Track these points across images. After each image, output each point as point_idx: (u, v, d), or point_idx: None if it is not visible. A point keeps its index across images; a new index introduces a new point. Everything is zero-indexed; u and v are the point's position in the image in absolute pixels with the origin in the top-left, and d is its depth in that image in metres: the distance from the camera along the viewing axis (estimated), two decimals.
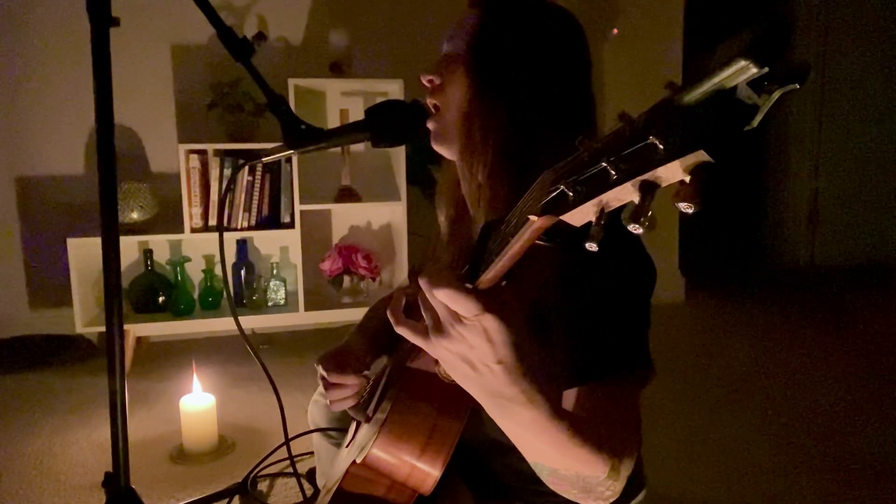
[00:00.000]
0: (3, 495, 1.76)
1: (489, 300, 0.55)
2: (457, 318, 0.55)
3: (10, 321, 2.89)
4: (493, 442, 0.95)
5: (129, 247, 2.86)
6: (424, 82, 0.94)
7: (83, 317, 2.60)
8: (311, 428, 1.31)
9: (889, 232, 4.44)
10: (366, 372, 1.04)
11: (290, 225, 2.79)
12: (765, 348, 3.01)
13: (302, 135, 0.98)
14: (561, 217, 0.46)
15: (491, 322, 0.54)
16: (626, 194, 0.41)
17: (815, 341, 3.08)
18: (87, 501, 1.72)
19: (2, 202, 2.85)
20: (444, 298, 0.55)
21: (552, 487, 0.67)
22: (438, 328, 0.57)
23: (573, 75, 0.89)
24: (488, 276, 0.56)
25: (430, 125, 0.95)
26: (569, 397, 0.73)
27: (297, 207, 2.75)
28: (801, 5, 4.29)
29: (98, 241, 0.95)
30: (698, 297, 3.79)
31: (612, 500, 0.67)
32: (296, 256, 2.90)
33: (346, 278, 2.88)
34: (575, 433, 0.61)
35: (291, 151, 0.98)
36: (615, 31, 3.37)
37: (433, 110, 0.95)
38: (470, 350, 0.56)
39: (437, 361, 0.65)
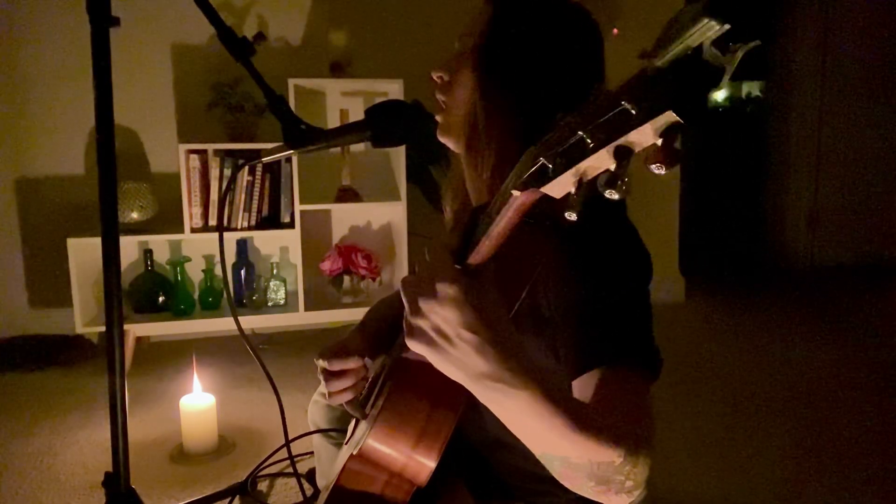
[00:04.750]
0: (3, 495, 1.76)
1: (465, 271, 0.56)
2: (425, 285, 0.56)
3: (10, 321, 2.89)
4: (494, 440, 0.95)
5: (129, 247, 2.86)
6: (434, 78, 0.95)
7: (83, 317, 2.59)
8: (312, 428, 1.31)
9: (889, 232, 4.44)
10: (367, 359, 1.04)
11: (290, 225, 2.79)
12: (764, 348, 3.01)
13: (302, 135, 0.98)
14: (541, 189, 0.47)
15: (458, 289, 0.55)
16: (602, 162, 0.42)
17: (815, 341, 3.08)
18: (87, 501, 1.72)
19: (2, 202, 2.85)
20: (424, 269, 0.56)
21: (567, 484, 0.64)
22: (415, 308, 0.57)
23: (584, 75, 0.88)
24: (478, 257, 0.57)
25: (439, 118, 0.96)
26: (575, 388, 0.72)
27: (297, 207, 2.75)
28: (801, 5, 4.29)
29: (98, 241, 0.95)
30: (698, 297, 3.79)
31: (635, 493, 0.63)
32: (296, 256, 2.90)
33: (346, 278, 2.88)
34: (578, 416, 0.59)
35: (291, 151, 0.98)
36: (615, 31, 3.37)
37: (442, 106, 0.95)
38: (444, 322, 0.56)
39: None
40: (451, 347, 0.56)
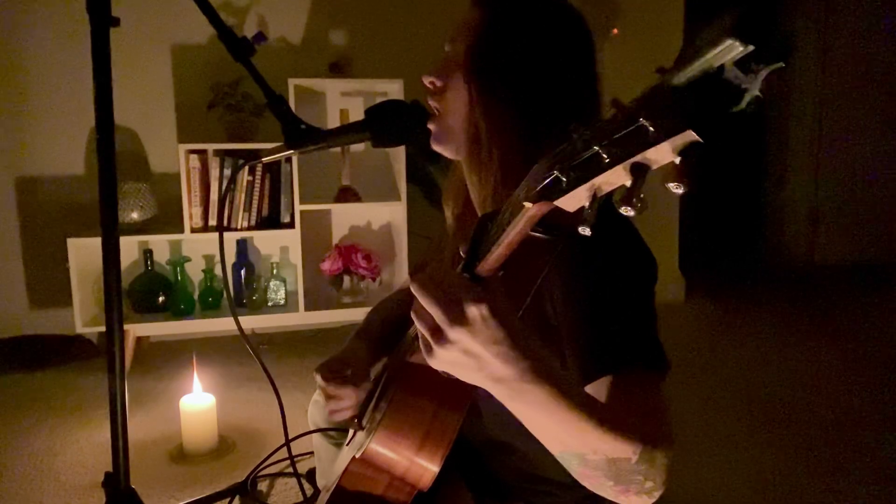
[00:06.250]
0: (3, 495, 1.76)
1: (484, 287, 0.56)
2: (452, 314, 0.55)
3: (10, 321, 2.89)
4: (494, 441, 0.95)
5: (129, 247, 2.86)
6: (426, 83, 0.93)
7: (83, 317, 2.59)
8: (311, 428, 1.31)
9: (889, 232, 4.44)
10: (364, 384, 1.04)
11: (290, 225, 2.79)
12: (765, 348, 3.01)
13: (302, 135, 0.98)
14: (555, 202, 0.47)
15: (486, 307, 0.55)
16: (617, 178, 0.42)
17: (815, 341, 3.08)
18: (87, 501, 1.72)
19: (2, 202, 2.85)
20: (438, 294, 0.56)
21: (587, 484, 0.64)
22: (437, 336, 0.57)
23: (580, 76, 0.87)
24: (485, 266, 0.57)
25: (431, 126, 0.94)
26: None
27: (297, 207, 2.75)
28: (801, 4, 4.29)
29: (98, 241, 0.95)
30: (698, 297, 3.79)
31: (655, 494, 0.63)
32: (296, 256, 2.90)
33: (346, 278, 2.88)
34: (591, 412, 0.60)
35: (291, 151, 0.98)
36: (615, 31, 3.37)
37: (435, 112, 0.94)
38: (472, 342, 0.56)
39: None
40: (478, 363, 0.57)
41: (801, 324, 3.38)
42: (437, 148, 0.95)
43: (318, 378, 1.03)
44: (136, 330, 2.71)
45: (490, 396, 0.60)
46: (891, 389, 2.48)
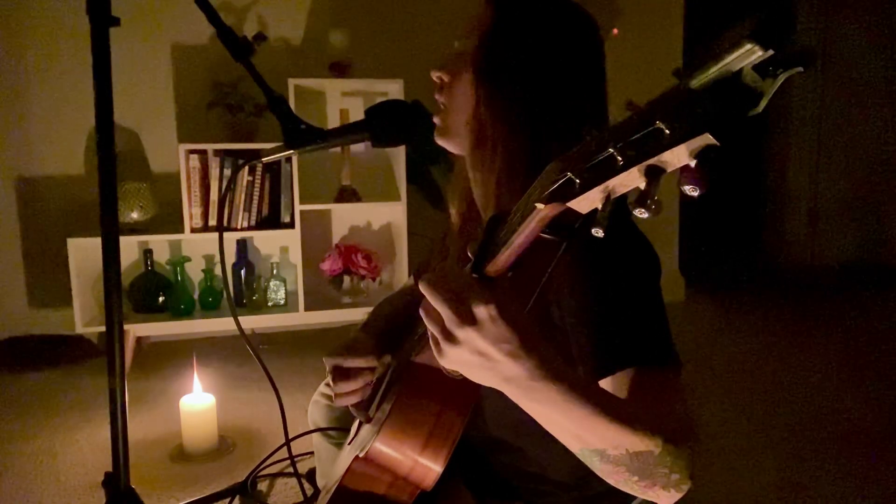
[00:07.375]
0: (3, 495, 1.76)
1: (493, 287, 0.56)
2: (461, 313, 0.56)
3: (10, 321, 2.89)
4: (495, 441, 0.95)
5: (129, 247, 2.86)
6: (434, 78, 0.93)
7: (83, 317, 2.59)
8: (311, 428, 1.31)
9: (889, 232, 4.44)
10: (380, 360, 1.04)
11: (290, 225, 2.79)
12: (764, 348, 3.01)
13: (302, 135, 0.97)
14: (568, 204, 0.47)
15: (494, 308, 0.55)
16: (632, 180, 0.42)
17: (814, 341, 3.08)
18: (87, 501, 1.72)
19: (2, 202, 2.85)
20: (448, 293, 0.56)
21: (612, 482, 0.64)
22: (446, 335, 0.57)
23: (587, 78, 0.87)
24: (495, 267, 0.57)
25: (436, 120, 0.95)
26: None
27: (297, 207, 2.75)
28: (801, 3, 4.29)
29: (98, 241, 0.95)
30: (698, 297, 3.79)
31: (683, 487, 0.63)
32: (296, 256, 2.90)
33: (346, 278, 2.88)
34: (606, 408, 0.60)
35: (291, 151, 0.98)
36: (615, 31, 3.37)
37: (441, 107, 0.94)
38: (482, 341, 0.56)
39: None
40: (488, 362, 0.57)
41: (800, 324, 3.38)
42: (441, 142, 0.95)
43: (330, 360, 1.02)
44: (136, 330, 2.71)
45: (497, 395, 0.60)
46: (890, 389, 2.48)
